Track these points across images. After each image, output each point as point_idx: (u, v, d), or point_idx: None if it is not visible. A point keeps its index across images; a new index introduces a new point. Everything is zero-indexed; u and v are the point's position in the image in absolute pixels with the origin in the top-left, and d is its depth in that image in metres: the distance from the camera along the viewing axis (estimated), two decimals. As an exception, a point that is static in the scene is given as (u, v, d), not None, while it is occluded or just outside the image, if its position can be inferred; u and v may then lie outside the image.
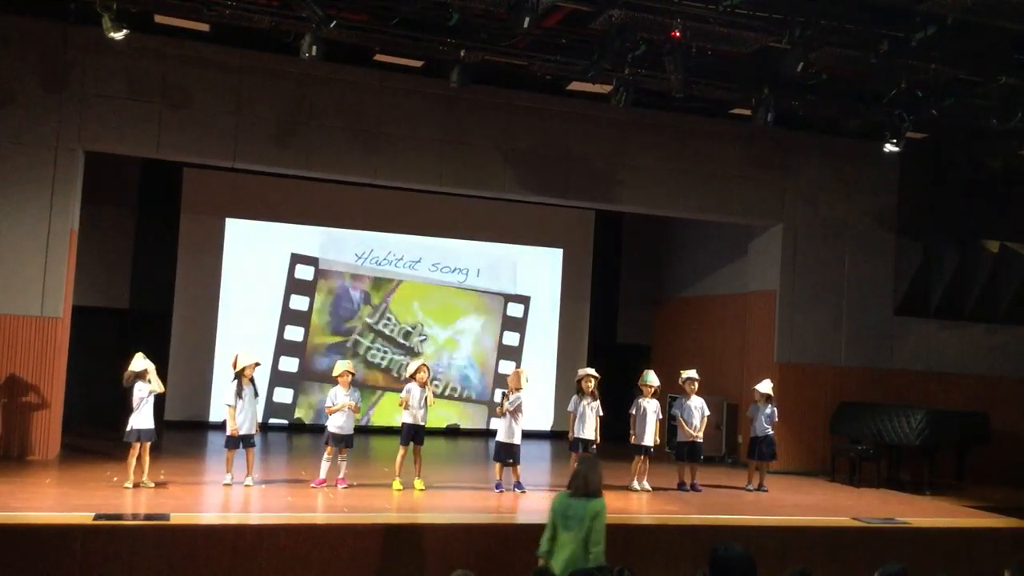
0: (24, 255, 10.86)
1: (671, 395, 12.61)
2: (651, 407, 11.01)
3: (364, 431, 14.66)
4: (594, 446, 10.56)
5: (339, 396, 9.87)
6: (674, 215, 14.59)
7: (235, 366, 9.70)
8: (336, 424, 9.84)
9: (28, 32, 10.94)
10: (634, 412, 11.05)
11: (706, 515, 9.59)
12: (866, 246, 14.29)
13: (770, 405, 11.65)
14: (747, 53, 9.90)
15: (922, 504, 11.31)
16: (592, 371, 10.83)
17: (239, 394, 9.62)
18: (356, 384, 11.48)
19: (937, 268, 14.45)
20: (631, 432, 11.06)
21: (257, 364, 9.88)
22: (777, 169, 13.99)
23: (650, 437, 10.95)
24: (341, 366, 10.04)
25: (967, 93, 10.84)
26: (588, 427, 10.59)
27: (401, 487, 9.92)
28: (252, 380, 9.78)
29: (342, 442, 9.85)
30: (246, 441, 9.69)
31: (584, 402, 10.64)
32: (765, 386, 11.71)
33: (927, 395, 14.04)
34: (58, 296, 10.99)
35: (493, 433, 11.32)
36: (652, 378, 11.10)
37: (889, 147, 11.90)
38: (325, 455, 9.85)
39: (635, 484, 10.90)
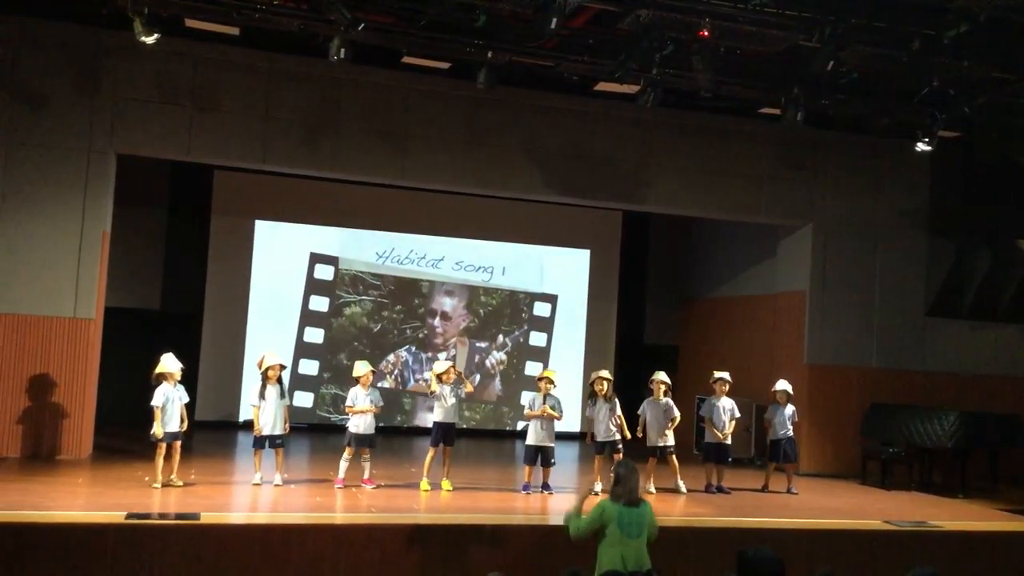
0: (57, 257, 11.00)
1: (699, 396, 12.54)
2: (660, 406, 10.89)
3: (397, 432, 14.74)
4: (620, 446, 10.40)
5: (360, 397, 9.91)
6: (702, 215, 14.51)
7: (260, 366, 9.85)
8: (356, 424, 9.88)
9: (60, 36, 11.07)
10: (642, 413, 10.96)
11: (735, 517, 9.52)
12: (897, 246, 14.12)
13: (790, 404, 11.55)
14: (776, 52, 9.83)
15: (954, 507, 11.17)
16: (605, 373, 10.70)
17: (262, 394, 9.74)
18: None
19: (969, 268, 14.26)
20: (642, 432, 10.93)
21: (282, 367, 9.98)
22: (807, 169, 13.87)
23: (657, 436, 10.83)
24: (362, 367, 10.07)
25: (1000, 91, 10.69)
26: (610, 429, 10.45)
27: (429, 488, 9.95)
28: (280, 381, 9.87)
29: (364, 442, 9.88)
30: (272, 441, 9.79)
31: (600, 405, 10.55)
32: (786, 385, 11.60)
33: (959, 397, 13.82)
34: (91, 298, 11.13)
35: (519, 434, 11.29)
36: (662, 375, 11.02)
37: (921, 146, 11.78)
38: (345, 455, 9.87)
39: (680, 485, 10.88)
